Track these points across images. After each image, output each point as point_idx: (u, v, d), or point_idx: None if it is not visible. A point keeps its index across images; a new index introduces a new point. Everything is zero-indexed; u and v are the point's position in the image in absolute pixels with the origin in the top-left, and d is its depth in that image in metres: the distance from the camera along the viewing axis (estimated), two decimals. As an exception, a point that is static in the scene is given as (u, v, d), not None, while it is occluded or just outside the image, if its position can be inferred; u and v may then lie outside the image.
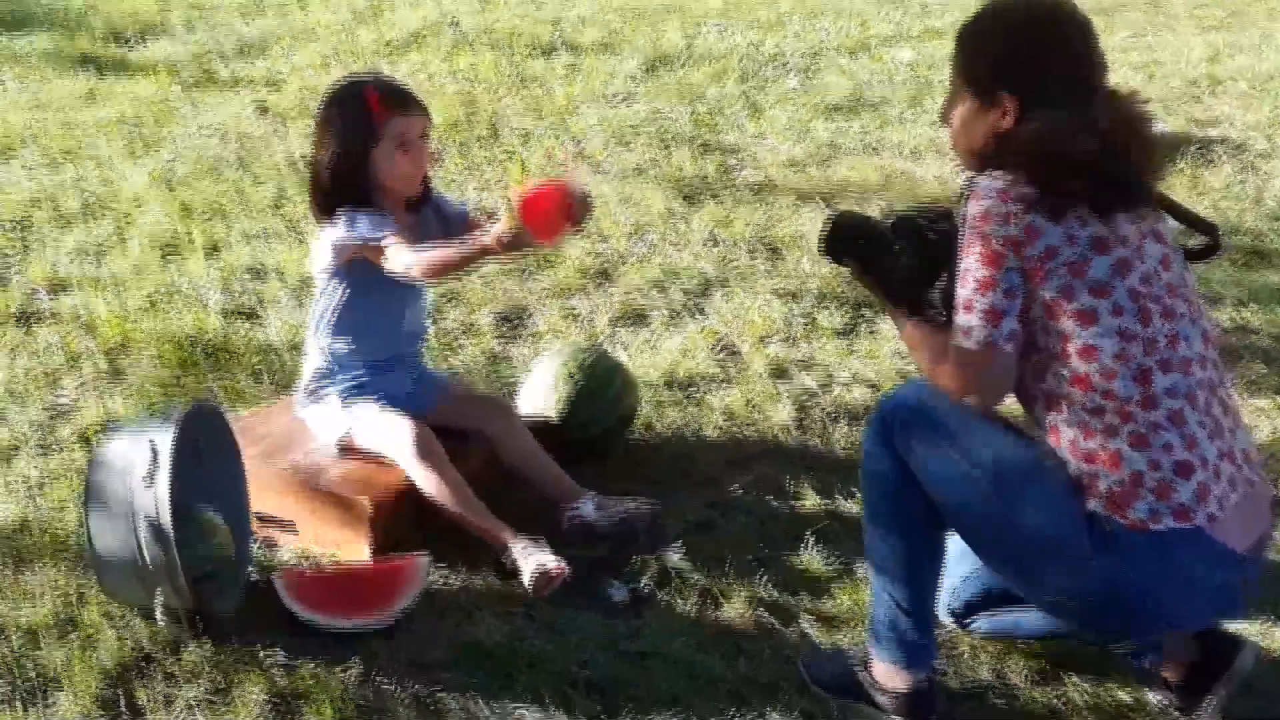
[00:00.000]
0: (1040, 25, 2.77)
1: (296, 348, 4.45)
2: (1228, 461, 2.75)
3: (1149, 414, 2.68)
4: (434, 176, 5.68)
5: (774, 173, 6.09)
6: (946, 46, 2.95)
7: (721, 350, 4.63)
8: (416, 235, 3.62)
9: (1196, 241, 2.92)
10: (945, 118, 2.92)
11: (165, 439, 3.16)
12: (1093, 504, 2.71)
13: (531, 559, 3.39)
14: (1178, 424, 2.69)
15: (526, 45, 7.73)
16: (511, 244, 3.27)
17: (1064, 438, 2.75)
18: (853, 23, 8.40)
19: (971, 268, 2.72)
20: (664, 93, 7.04)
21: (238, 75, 7.21)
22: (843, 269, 3.11)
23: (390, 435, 3.59)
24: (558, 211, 3.41)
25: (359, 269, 3.59)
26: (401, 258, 3.47)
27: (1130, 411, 2.68)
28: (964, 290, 2.73)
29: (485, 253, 3.39)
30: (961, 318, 2.73)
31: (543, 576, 3.36)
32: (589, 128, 6.53)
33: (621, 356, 4.42)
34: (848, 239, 3.02)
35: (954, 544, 3.00)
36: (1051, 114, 2.70)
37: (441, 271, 3.54)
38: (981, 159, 2.80)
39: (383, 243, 3.49)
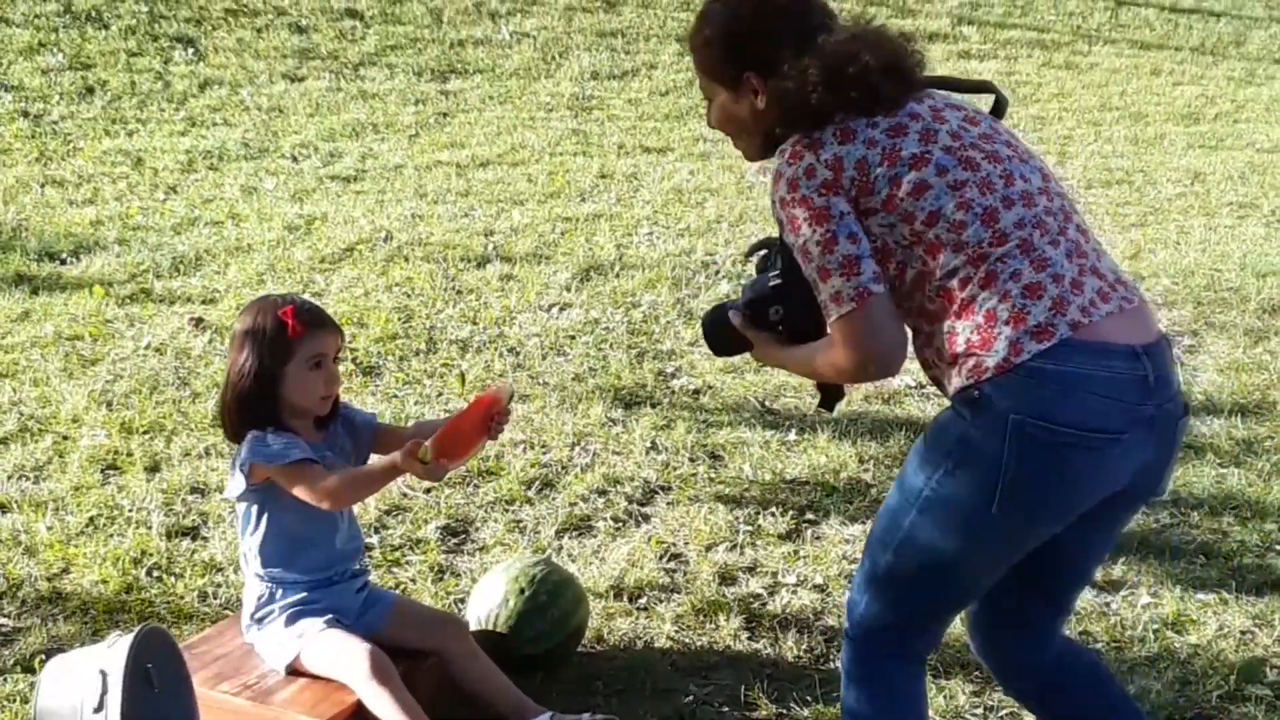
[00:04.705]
0: (746, 4, 2.92)
1: (242, 566, 4.42)
2: (1094, 277, 2.75)
3: (999, 249, 2.70)
4: (373, 390, 5.69)
5: (711, 379, 6.17)
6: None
7: (669, 558, 4.64)
8: (331, 451, 3.65)
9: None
10: (713, 124, 3.04)
11: (115, 666, 3.13)
12: (957, 381, 2.72)
13: None
14: (1026, 250, 2.70)
15: (460, 257, 7.82)
16: (425, 472, 3.38)
17: (943, 326, 2.75)
18: (780, 228, 8.56)
19: (806, 236, 2.74)
20: (598, 301, 7.14)
21: (173, 291, 7.23)
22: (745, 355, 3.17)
23: (341, 656, 3.53)
24: (471, 431, 3.48)
25: (276, 490, 3.59)
26: (307, 485, 3.50)
27: (983, 253, 2.70)
28: (811, 263, 2.75)
29: (395, 474, 3.46)
30: (824, 287, 2.74)
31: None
32: (526, 337, 6.60)
33: (570, 567, 4.42)
34: (723, 319, 3.13)
35: None
36: (784, 70, 2.83)
37: (350, 497, 3.58)
38: (763, 147, 2.93)
39: (291, 467, 3.51)
